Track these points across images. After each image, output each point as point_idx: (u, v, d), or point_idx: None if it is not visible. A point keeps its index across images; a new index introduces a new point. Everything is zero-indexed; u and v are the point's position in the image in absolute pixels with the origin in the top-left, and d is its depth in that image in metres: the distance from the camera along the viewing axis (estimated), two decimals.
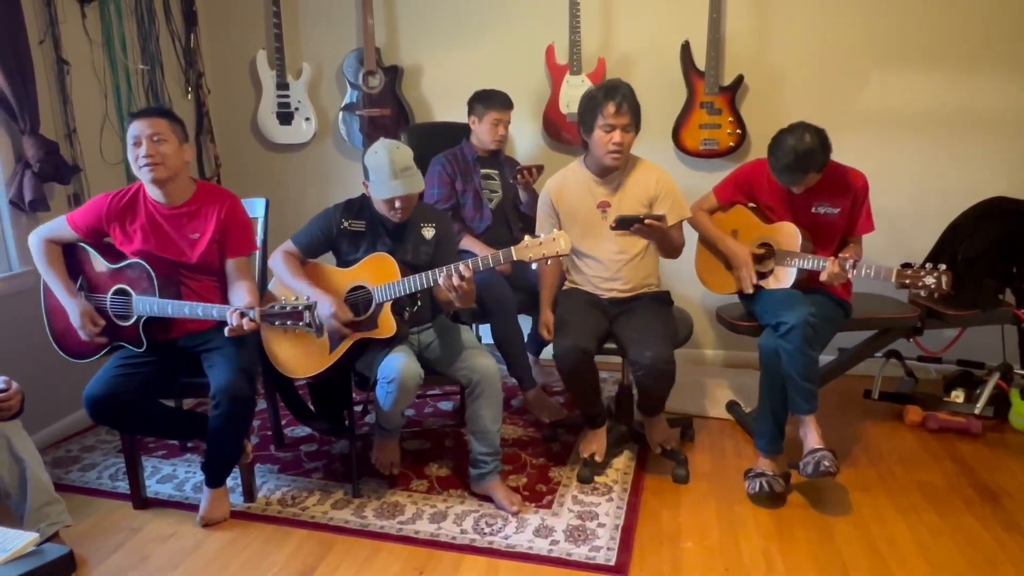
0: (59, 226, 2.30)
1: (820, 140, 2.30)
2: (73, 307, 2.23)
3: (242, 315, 2.03)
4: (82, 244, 2.32)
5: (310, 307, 2.03)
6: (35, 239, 2.30)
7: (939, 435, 2.80)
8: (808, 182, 2.39)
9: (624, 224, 2.28)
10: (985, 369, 3.00)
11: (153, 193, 2.27)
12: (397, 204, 2.24)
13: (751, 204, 2.62)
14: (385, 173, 2.20)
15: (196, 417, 2.42)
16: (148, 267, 2.20)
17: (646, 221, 2.25)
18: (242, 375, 2.17)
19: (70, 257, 2.33)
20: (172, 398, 2.57)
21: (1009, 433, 2.82)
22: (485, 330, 3.17)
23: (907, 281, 2.19)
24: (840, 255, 2.30)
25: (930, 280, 2.16)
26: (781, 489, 2.33)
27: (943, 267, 2.17)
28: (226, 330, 2.05)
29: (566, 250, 2.08)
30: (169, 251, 2.28)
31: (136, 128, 2.18)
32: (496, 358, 2.42)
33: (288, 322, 2.03)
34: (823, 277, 2.30)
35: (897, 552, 2.09)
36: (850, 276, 2.29)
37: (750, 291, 2.51)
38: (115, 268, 2.27)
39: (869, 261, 2.30)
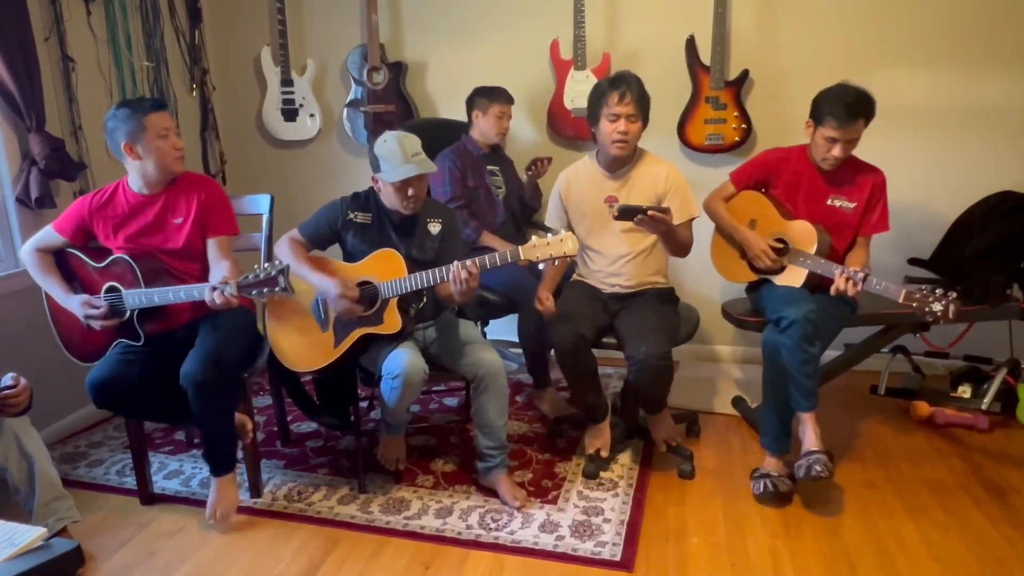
0: (46, 235, 2.36)
1: (870, 96, 2.34)
2: (72, 304, 2.25)
3: (215, 289, 2.06)
4: (70, 249, 2.35)
5: (283, 271, 2.03)
6: (26, 251, 2.35)
7: (946, 431, 2.79)
8: (854, 133, 2.33)
9: (627, 214, 2.23)
10: (992, 364, 2.99)
11: (136, 185, 2.30)
12: (410, 192, 2.24)
13: (765, 191, 2.59)
14: (397, 158, 2.20)
15: None
16: (129, 260, 2.22)
17: (649, 212, 2.21)
18: (207, 360, 2.15)
19: (62, 266, 2.36)
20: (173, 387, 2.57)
21: (1016, 429, 2.80)
22: (492, 327, 3.18)
23: (914, 304, 2.16)
24: (852, 269, 2.25)
25: (937, 307, 2.12)
26: (787, 489, 2.32)
27: (953, 295, 2.12)
28: (207, 302, 2.08)
29: (573, 251, 2.07)
30: (155, 239, 2.31)
31: (162, 120, 2.23)
32: (514, 355, 2.41)
33: (264, 289, 2.04)
34: (833, 291, 2.26)
35: (905, 550, 2.09)
36: (858, 289, 2.22)
37: (768, 263, 2.46)
38: (102, 267, 2.29)
39: (878, 275, 2.24)
